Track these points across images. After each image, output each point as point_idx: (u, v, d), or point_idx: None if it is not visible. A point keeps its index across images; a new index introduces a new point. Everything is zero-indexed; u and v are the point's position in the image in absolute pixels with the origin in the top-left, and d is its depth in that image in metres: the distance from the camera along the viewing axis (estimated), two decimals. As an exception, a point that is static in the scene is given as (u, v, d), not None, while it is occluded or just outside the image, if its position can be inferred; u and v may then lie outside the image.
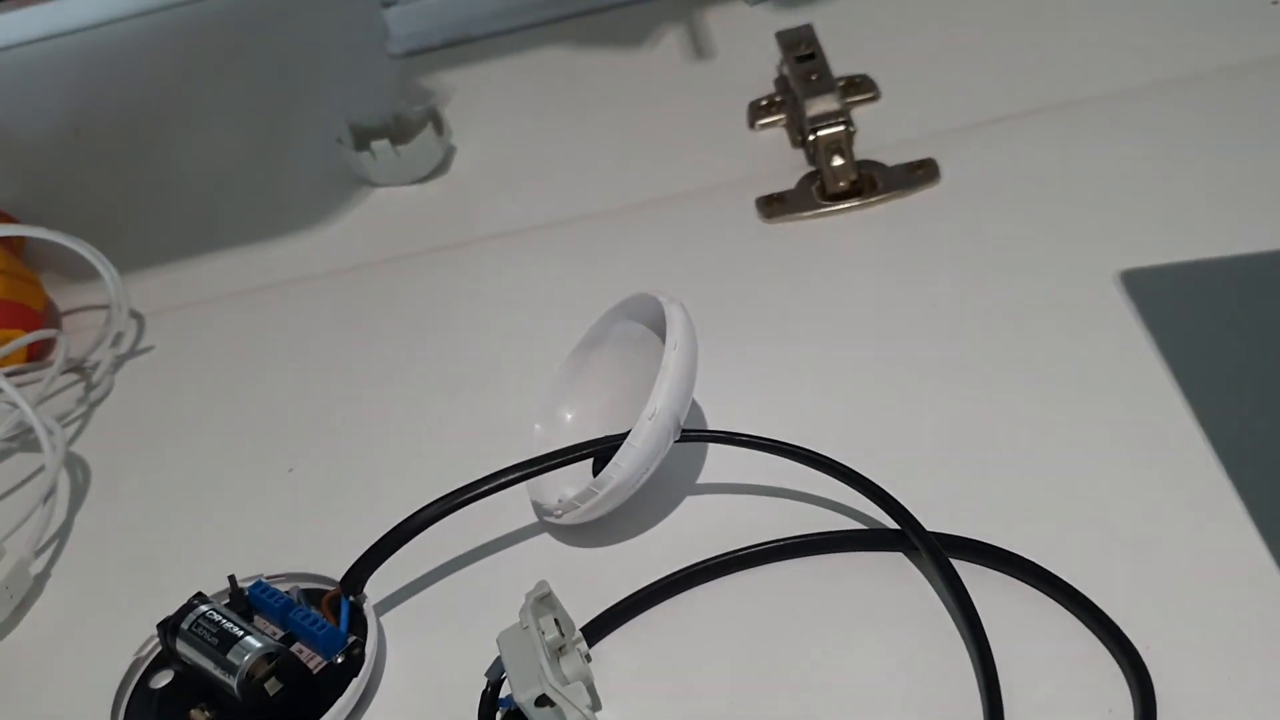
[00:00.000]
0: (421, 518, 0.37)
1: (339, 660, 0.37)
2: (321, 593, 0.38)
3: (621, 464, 0.36)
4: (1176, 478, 0.37)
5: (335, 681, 0.36)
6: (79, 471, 0.49)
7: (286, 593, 0.39)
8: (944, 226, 0.49)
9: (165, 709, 0.37)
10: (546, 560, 0.39)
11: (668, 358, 0.37)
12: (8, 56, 0.82)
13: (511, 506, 0.40)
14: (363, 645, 0.37)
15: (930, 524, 0.36)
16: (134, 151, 0.69)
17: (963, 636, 0.33)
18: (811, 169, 0.54)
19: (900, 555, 0.36)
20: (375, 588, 0.39)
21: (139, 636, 0.38)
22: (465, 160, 0.61)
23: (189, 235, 0.61)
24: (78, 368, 0.54)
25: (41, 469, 0.47)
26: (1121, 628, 0.32)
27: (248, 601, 0.39)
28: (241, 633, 0.36)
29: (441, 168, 0.61)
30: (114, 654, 0.38)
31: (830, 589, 0.36)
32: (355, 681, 0.36)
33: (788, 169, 0.55)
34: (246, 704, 0.35)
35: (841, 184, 0.52)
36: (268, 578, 0.39)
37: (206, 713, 0.36)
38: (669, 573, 0.37)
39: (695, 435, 0.39)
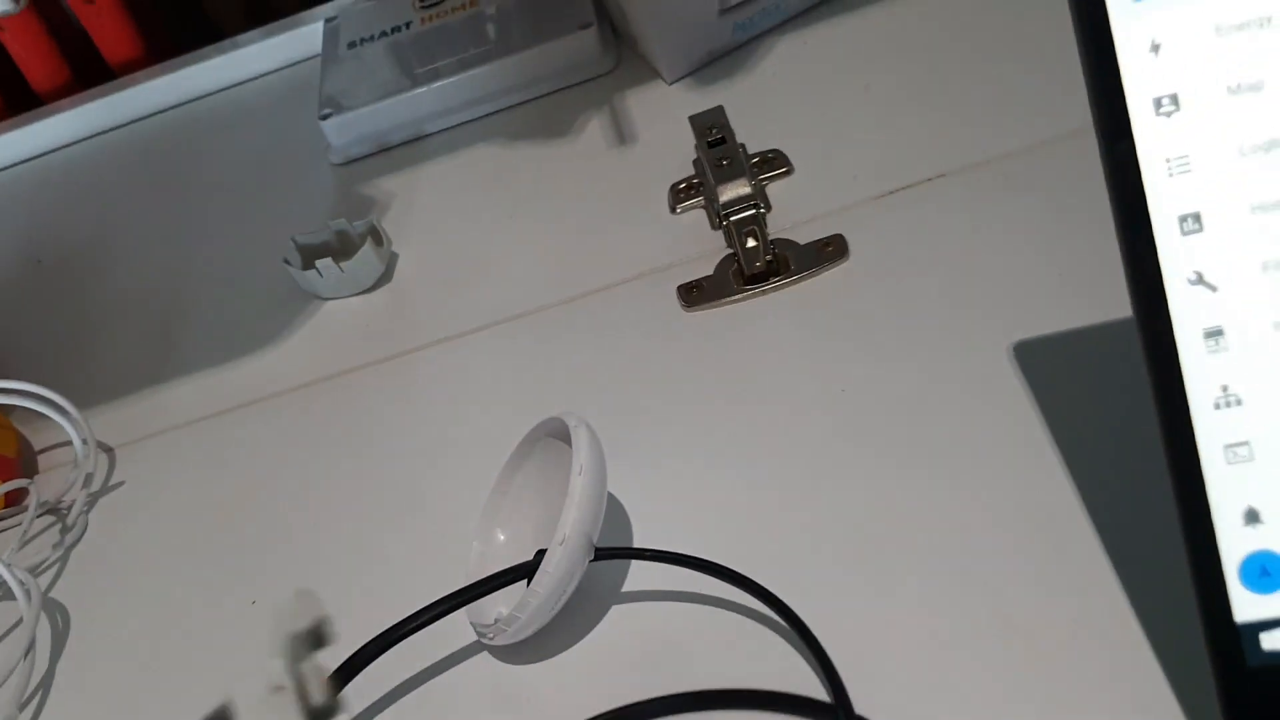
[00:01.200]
0: (362, 656, 0.40)
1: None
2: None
3: (538, 590, 0.39)
4: (1059, 559, 0.39)
5: None
6: (58, 617, 0.51)
7: None
8: (852, 304, 0.51)
9: None
10: (488, 678, 0.42)
11: (573, 483, 0.39)
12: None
13: (454, 628, 0.43)
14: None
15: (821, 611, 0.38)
16: (93, 278, 0.71)
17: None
18: (729, 251, 0.57)
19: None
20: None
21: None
22: (406, 266, 0.64)
23: (150, 363, 0.64)
24: (53, 509, 0.57)
25: (20, 622, 0.50)
26: None
27: None
28: None
29: (385, 277, 0.64)
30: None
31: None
32: None
33: (709, 251, 0.57)
34: None
35: (758, 264, 0.55)
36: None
37: None
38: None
39: (608, 553, 0.41)
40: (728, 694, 0.37)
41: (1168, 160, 0.29)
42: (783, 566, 0.41)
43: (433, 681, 0.43)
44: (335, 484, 0.53)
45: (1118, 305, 0.45)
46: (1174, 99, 0.29)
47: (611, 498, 0.46)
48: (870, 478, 0.44)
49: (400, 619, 0.41)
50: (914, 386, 0.47)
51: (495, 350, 0.57)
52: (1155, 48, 0.29)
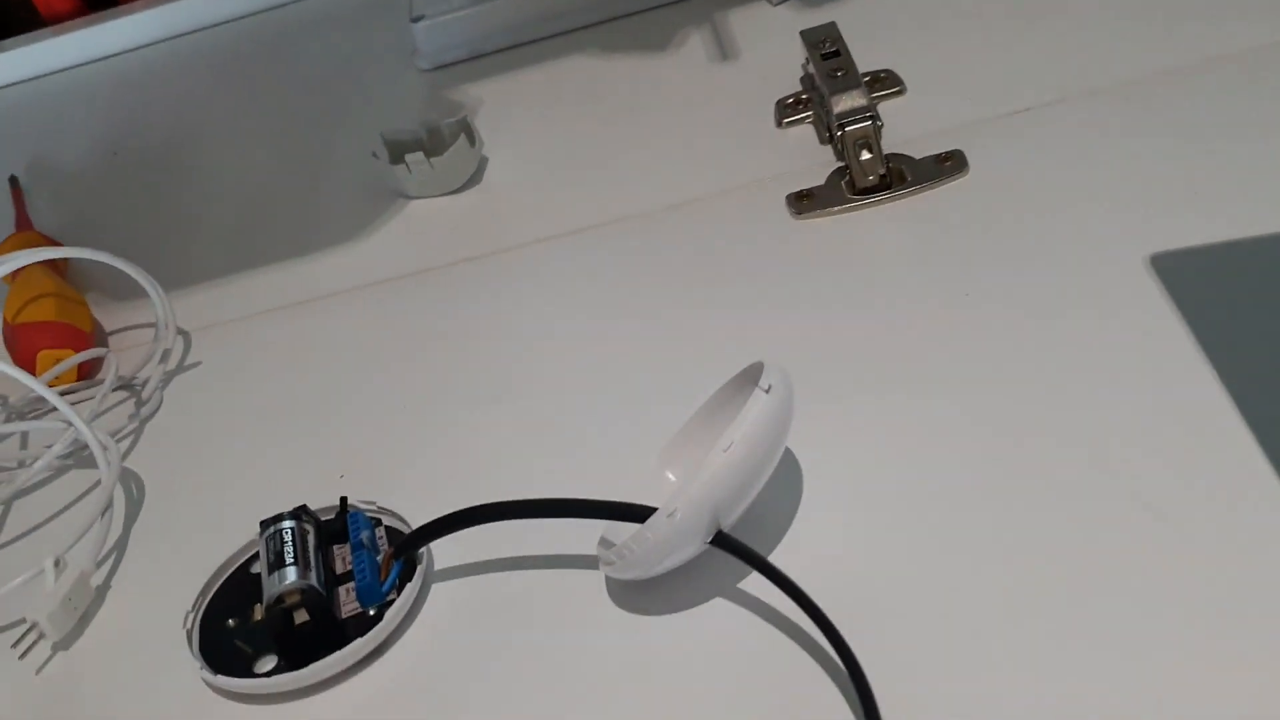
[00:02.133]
0: (479, 513, 0.38)
1: (371, 612, 0.39)
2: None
3: (633, 547, 0.35)
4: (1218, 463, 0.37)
5: (361, 629, 0.38)
6: (133, 486, 0.50)
7: (377, 531, 0.42)
8: (973, 218, 0.49)
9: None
10: (585, 597, 0.39)
11: (711, 457, 0.34)
12: (43, 84, 0.83)
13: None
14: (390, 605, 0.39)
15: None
16: (171, 172, 0.70)
17: None
18: (840, 164, 0.55)
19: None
20: (447, 556, 0.41)
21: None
22: (498, 170, 0.62)
23: (229, 252, 0.63)
24: (127, 385, 0.56)
25: (98, 484, 0.48)
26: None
27: (344, 527, 0.41)
28: (291, 561, 0.39)
29: (475, 178, 0.62)
30: (175, 661, 0.40)
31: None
32: (359, 641, 0.38)
33: (817, 165, 0.55)
34: (270, 625, 0.39)
35: (870, 178, 0.53)
36: (376, 509, 0.43)
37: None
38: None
39: (727, 545, 0.36)
40: None
41: None
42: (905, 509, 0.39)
43: (547, 571, 0.40)
44: (423, 370, 0.51)
45: (1253, 220, 0.44)
46: None
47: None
48: (998, 384, 0.42)
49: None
50: (1045, 296, 0.45)
51: (595, 252, 0.55)
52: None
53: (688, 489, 0.34)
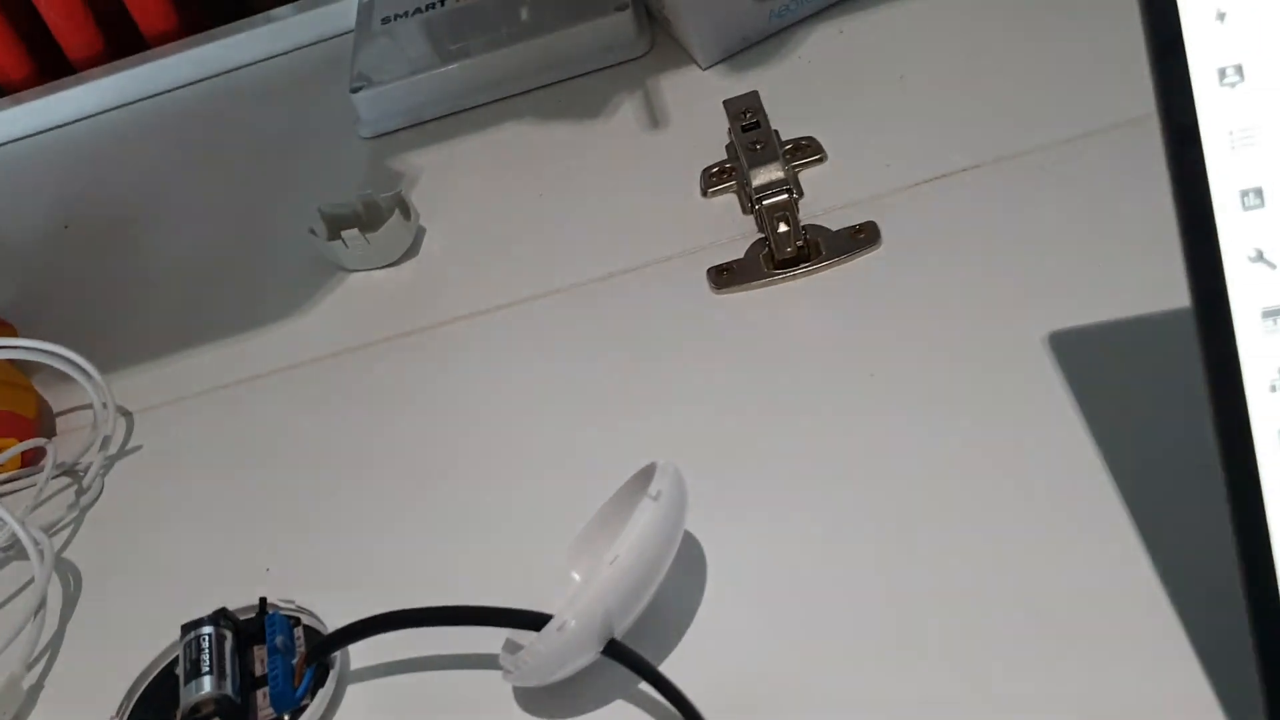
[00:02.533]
0: (387, 620, 0.39)
1: (285, 718, 0.40)
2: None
3: (527, 659, 0.36)
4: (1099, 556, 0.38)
5: None
6: (70, 578, 0.51)
7: (296, 631, 0.43)
8: (883, 291, 0.51)
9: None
10: (493, 699, 0.40)
11: (600, 569, 0.35)
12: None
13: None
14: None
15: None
16: (120, 244, 0.71)
17: None
18: (761, 235, 0.56)
19: None
20: (363, 656, 0.42)
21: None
22: (434, 241, 0.63)
23: (173, 330, 0.64)
24: (69, 471, 0.57)
25: (32, 581, 0.49)
26: None
27: (261, 628, 0.42)
28: (207, 670, 0.40)
29: (412, 250, 0.63)
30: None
31: None
32: None
33: (739, 236, 0.56)
34: None
35: (788, 250, 0.54)
36: (295, 609, 0.44)
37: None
38: None
39: (620, 656, 0.37)
40: None
41: (1231, 132, 0.28)
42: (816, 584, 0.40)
43: (455, 673, 0.41)
44: (354, 454, 0.52)
45: (1153, 298, 0.45)
46: (1239, 69, 0.28)
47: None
48: (899, 463, 0.43)
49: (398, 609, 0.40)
50: (945, 374, 0.46)
51: (523, 327, 0.56)
52: (1221, 16, 0.28)
53: (576, 601, 0.35)
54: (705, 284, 0.54)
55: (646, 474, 0.39)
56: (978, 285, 0.49)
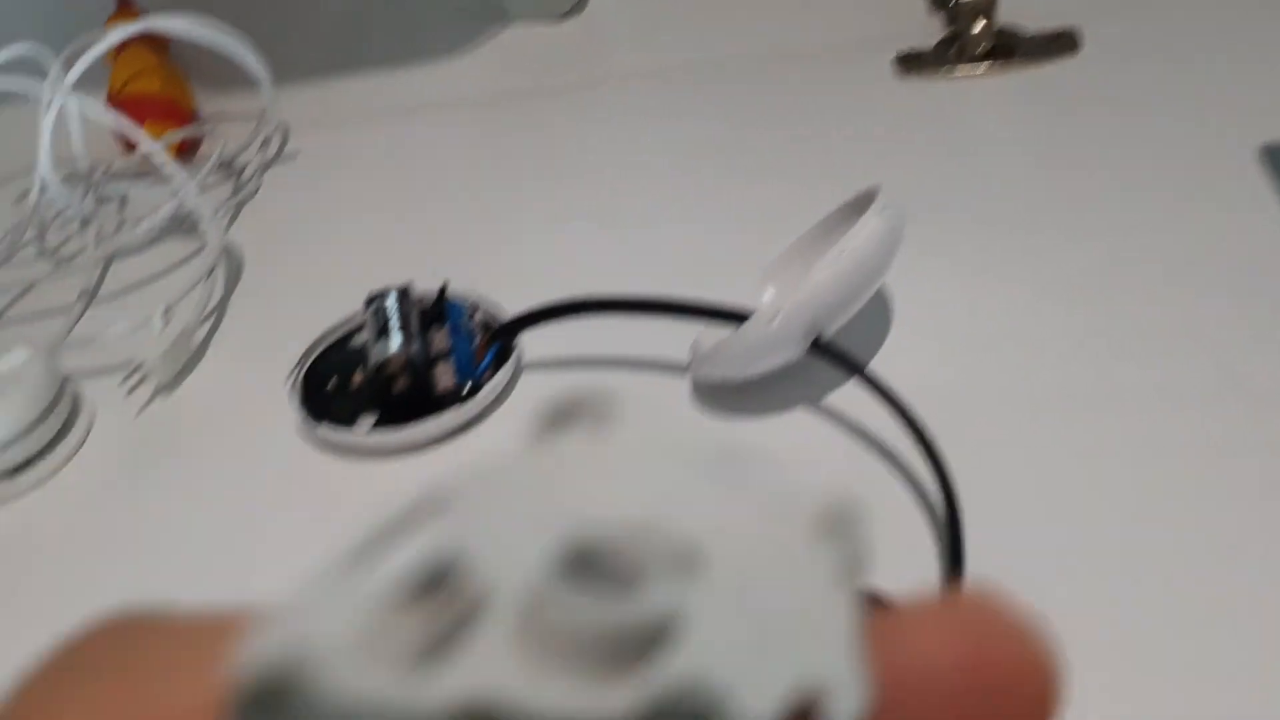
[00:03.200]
0: (578, 305, 0.40)
1: (465, 391, 0.41)
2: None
3: (732, 343, 0.36)
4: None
5: (454, 402, 0.40)
6: (233, 258, 0.51)
7: (473, 317, 0.43)
8: (1079, 99, 0.50)
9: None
10: (671, 399, 0.40)
11: (820, 265, 0.35)
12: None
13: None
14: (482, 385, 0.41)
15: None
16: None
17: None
18: (951, 30, 0.55)
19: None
20: (538, 349, 0.42)
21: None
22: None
23: (333, 52, 0.63)
24: (227, 166, 0.57)
25: (199, 250, 0.50)
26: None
27: (443, 309, 0.43)
28: (396, 332, 0.40)
29: (580, 4, 0.62)
30: (274, 414, 0.42)
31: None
32: (447, 414, 0.40)
33: (928, 31, 0.55)
34: (371, 389, 0.41)
35: (980, 49, 0.53)
36: (473, 299, 0.44)
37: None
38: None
39: (825, 353, 0.36)
40: None
41: None
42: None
43: (632, 369, 0.42)
44: (514, 192, 0.52)
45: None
46: None
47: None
48: (1089, 266, 0.43)
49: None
50: (1147, 176, 0.45)
51: (693, 92, 0.56)
52: None
53: (794, 293, 0.35)
54: (890, 71, 0.54)
55: (860, 202, 0.39)
56: (1181, 96, 0.48)
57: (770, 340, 0.36)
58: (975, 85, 0.52)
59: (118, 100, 0.58)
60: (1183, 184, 0.45)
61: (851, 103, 0.53)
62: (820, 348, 0.36)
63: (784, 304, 0.35)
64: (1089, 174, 0.46)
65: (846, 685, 0.11)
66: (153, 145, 0.49)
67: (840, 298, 0.36)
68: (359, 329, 0.44)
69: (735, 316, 0.38)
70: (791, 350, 0.36)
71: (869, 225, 0.36)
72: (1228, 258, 0.41)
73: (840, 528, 0.12)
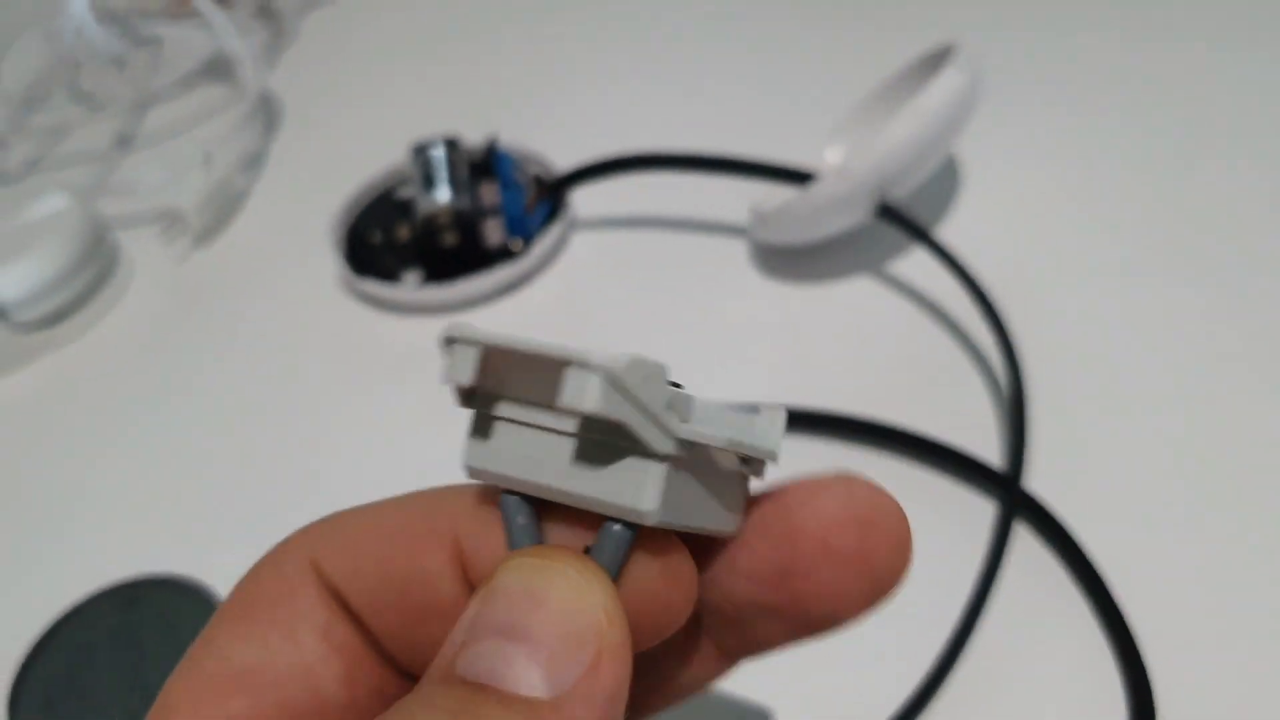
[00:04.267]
0: (634, 160, 0.38)
1: (516, 248, 0.39)
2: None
3: (798, 204, 0.34)
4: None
5: (504, 259, 0.39)
6: (274, 106, 0.50)
7: (523, 172, 0.41)
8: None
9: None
10: (730, 262, 0.39)
11: (892, 125, 0.33)
12: None
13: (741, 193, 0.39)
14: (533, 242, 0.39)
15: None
16: None
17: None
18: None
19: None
20: (591, 206, 0.41)
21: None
22: None
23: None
24: (265, 10, 0.55)
25: (239, 97, 0.48)
26: None
27: (490, 162, 0.41)
28: (444, 184, 0.39)
29: None
30: (317, 265, 0.40)
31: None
32: (498, 270, 0.38)
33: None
34: (418, 243, 0.40)
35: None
36: (523, 154, 0.43)
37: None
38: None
39: (893, 217, 0.35)
40: (897, 433, 0.31)
41: None
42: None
43: (692, 234, 0.40)
44: (571, 39, 0.50)
45: None
46: None
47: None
48: (1164, 146, 0.41)
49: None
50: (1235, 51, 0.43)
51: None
52: None
53: (863, 153, 0.34)
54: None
55: (935, 58, 0.37)
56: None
57: (836, 203, 0.34)
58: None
59: (153, -62, 0.56)
60: None
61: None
62: (888, 212, 0.35)
63: (851, 165, 0.34)
64: (1179, 43, 0.43)
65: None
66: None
67: (911, 160, 0.34)
68: (405, 181, 0.42)
69: (799, 176, 0.36)
70: (858, 214, 0.35)
71: (946, 84, 0.34)
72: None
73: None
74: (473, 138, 0.42)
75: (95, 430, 0.37)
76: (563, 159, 0.41)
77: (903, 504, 0.16)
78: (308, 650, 0.15)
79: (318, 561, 0.16)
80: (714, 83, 0.46)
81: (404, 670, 0.16)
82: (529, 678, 0.13)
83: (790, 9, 0.49)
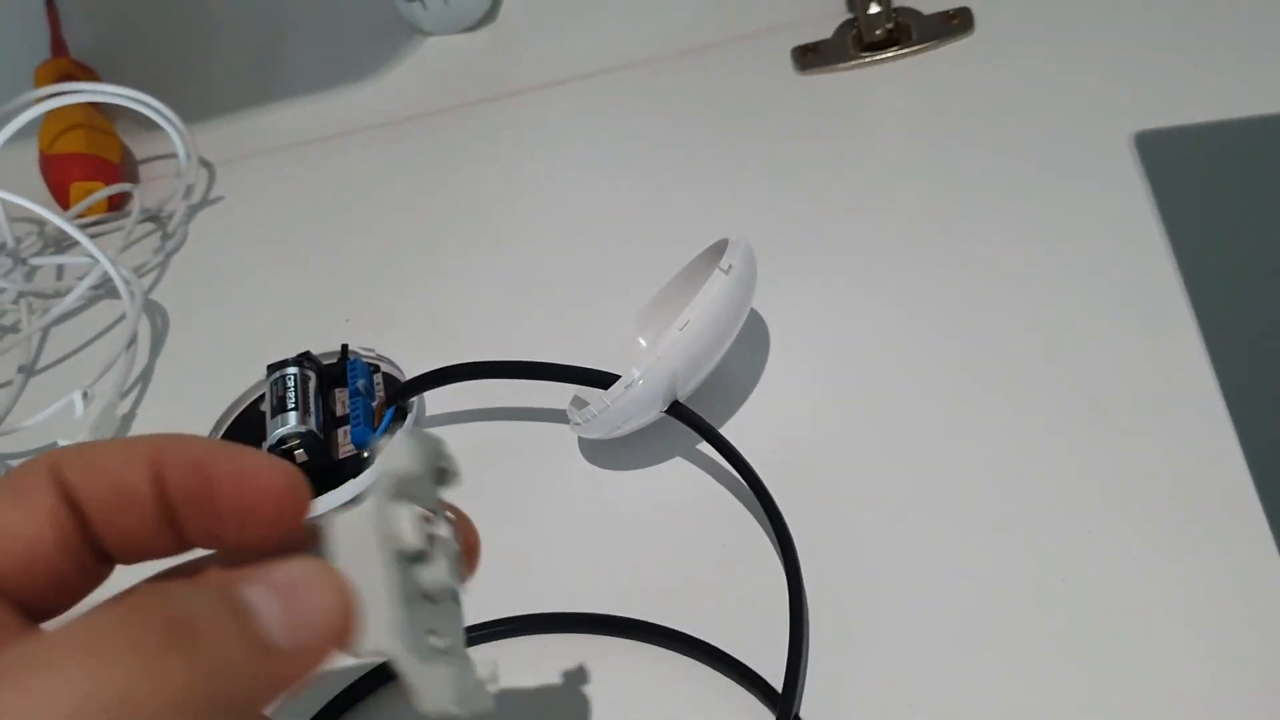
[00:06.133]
0: (464, 370, 0.41)
1: (365, 455, 0.42)
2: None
3: (595, 412, 0.37)
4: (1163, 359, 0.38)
5: (356, 468, 0.42)
6: (158, 318, 0.53)
7: (375, 377, 0.45)
8: (970, 82, 0.49)
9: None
10: (559, 449, 0.41)
11: (670, 334, 0.36)
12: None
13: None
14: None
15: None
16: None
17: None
18: (849, 16, 0.55)
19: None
20: (438, 404, 0.44)
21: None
22: (512, 6, 0.62)
23: (253, 82, 0.64)
24: (154, 217, 0.58)
25: (123, 317, 0.51)
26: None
27: (344, 372, 0.44)
28: (293, 406, 0.42)
29: (491, 15, 0.62)
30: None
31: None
32: (355, 480, 0.41)
33: (828, 15, 0.55)
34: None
35: (878, 32, 0.53)
36: (374, 356, 0.46)
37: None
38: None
39: (681, 415, 0.37)
40: (683, 638, 0.34)
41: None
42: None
43: (523, 424, 0.43)
44: (430, 215, 0.53)
45: (1242, 102, 0.44)
46: None
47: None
48: (968, 252, 0.43)
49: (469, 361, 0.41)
50: (1029, 169, 0.45)
51: (599, 98, 0.56)
52: None
53: (645, 362, 0.36)
54: (790, 64, 0.54)
55: (719, 248, 0.40)
56: (1070, 79, 0.48)
57: (628, 409, 0.37)
58: (870, 75, 0.52)
59: (46, 159, 0.59)
60: (1060, 174, 0.44)
61: (749, 103, 0.53)
62: (676, 409, 0.37)
63: (638, 372, 0.36)
64: (970, 169, 0.46)
65: None
66: (63, 222, 0.50)
67: (691, 360, 0.37)
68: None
69: (603, 380, 0.39)
70: (651, 414, 0.38)
71: (713, 289, 0.37)
72: (1095, 254, 0.41)
73: None
74: (343, 338, 0.45)
75: None
76: (418, 353, 0.44)
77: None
78: (35, 521, 0.21)
79: (56, 465, 0.22)
80: (558, 257, 0.49)
81: (103, 555, 0.23)
82: (274, 622, 0.20)
83: (631, 173, 0.52)
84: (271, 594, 0.20)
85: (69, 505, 0.22)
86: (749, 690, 0.32)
